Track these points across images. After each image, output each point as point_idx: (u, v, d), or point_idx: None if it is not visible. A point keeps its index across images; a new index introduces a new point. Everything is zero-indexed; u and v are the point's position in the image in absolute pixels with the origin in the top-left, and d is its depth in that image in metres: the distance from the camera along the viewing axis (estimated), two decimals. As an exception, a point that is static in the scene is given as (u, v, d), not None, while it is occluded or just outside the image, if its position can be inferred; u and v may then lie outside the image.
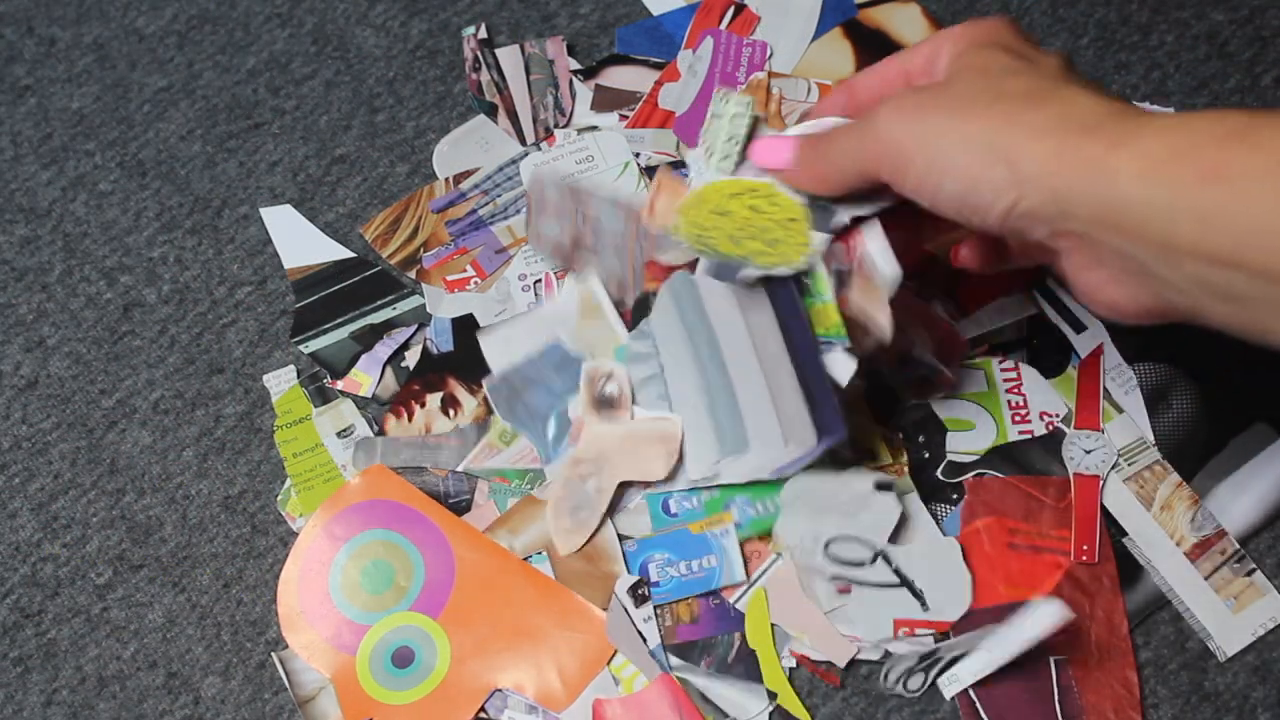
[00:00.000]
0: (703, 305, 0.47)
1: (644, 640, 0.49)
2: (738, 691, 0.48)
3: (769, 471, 0.47)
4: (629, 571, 0.49)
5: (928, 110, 0.35)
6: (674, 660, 0.48)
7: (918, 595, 0.48)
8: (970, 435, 0.51)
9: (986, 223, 0.35)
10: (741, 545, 0.49)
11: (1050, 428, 0.51)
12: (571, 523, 0.50)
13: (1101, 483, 0.50)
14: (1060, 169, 0.32)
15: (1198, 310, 0.33)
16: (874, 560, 0.48)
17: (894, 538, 0.48)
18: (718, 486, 0.50)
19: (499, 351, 0.52)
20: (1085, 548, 0.49)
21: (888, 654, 0.48)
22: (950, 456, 0.51)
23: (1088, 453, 0.50)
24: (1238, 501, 0.49)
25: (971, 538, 0.49)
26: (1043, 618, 0.44)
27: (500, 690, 0.49)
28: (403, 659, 0.49)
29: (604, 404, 0.49)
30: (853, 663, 0.48)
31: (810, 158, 0.39)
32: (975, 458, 0.51)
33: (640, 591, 0.49)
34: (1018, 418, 0.51)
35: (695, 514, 0.50)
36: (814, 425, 0.44)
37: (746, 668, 0.48)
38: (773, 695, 0.48)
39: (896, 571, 0.48)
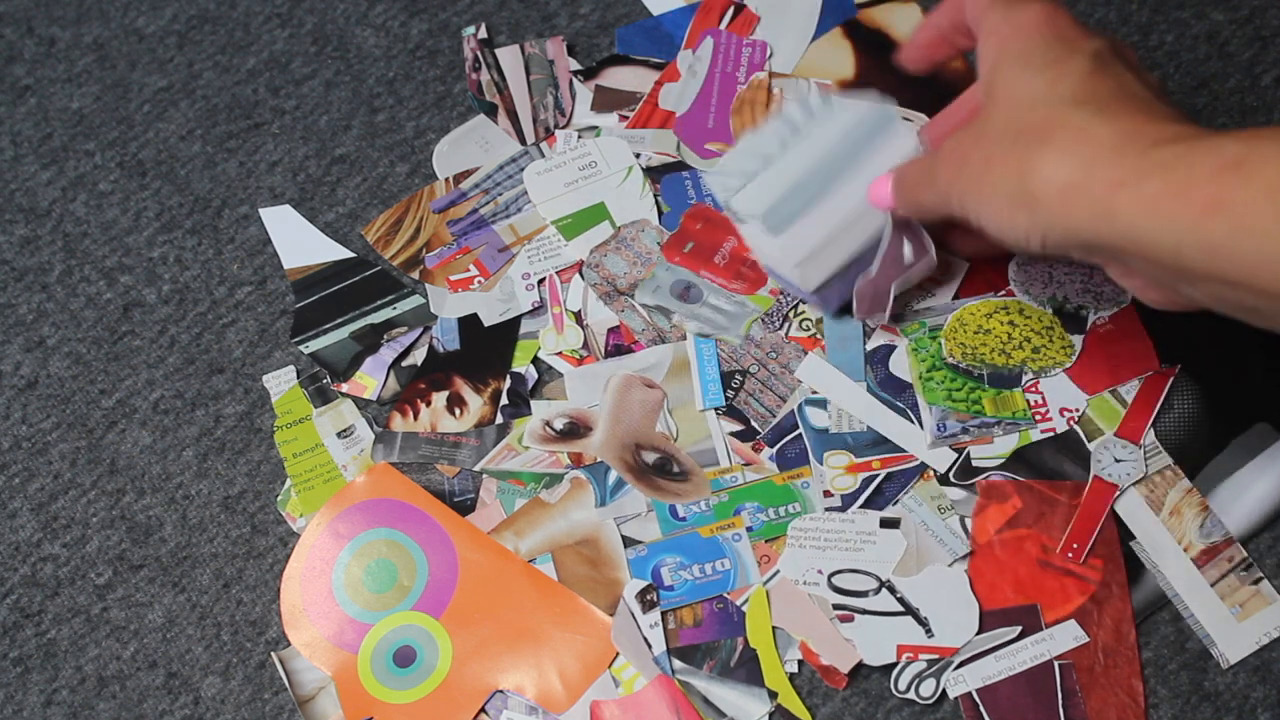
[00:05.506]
0: (874, 145, 0.47)
1: (649, 646, 0.48)
2: (739, 695, 0.48)
3: (766, 261, 0.51)
4: (640, 576, 0.50)
5: (966, 161, 0.39)
6: (676, 664, 0.48)
7: (922, 623, 0.48)
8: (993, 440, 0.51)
9: (1029, 251, 0.38)
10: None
11: (1071, 423, 0.50)
12: None
13: (1119, 493, 0.50)
14: (1068, 211, 0.35)
15: (1226, 311, 0.36)
16: (878, 590, 0.48)
17: (899, 568, 0.49)
18: (727, 490, 0.50)
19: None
20: (1075, 546, 0.49)
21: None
22: (975, 460, 0.50)
23: (1118, 461, 0.50)
24: (1238, 502, 0.50)
25: (984, 540, 0.49)
26: (1062, 640, 0.47)
27: (501, 691, 0.49)
28: (404, 658, 0.49)
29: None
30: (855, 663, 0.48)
31: (903, 201, 0.45)
32: (1000, 461, 0.50)
33: (649, 597, 0.49)
34: (1038, 416, 0.51)
35: (705, 518, 0.50)
36: (820, 282, 0.48)
37: (748, 671, 0.48)
38: (773, 695, 0.48)
39: (901, 600, 0.48)
